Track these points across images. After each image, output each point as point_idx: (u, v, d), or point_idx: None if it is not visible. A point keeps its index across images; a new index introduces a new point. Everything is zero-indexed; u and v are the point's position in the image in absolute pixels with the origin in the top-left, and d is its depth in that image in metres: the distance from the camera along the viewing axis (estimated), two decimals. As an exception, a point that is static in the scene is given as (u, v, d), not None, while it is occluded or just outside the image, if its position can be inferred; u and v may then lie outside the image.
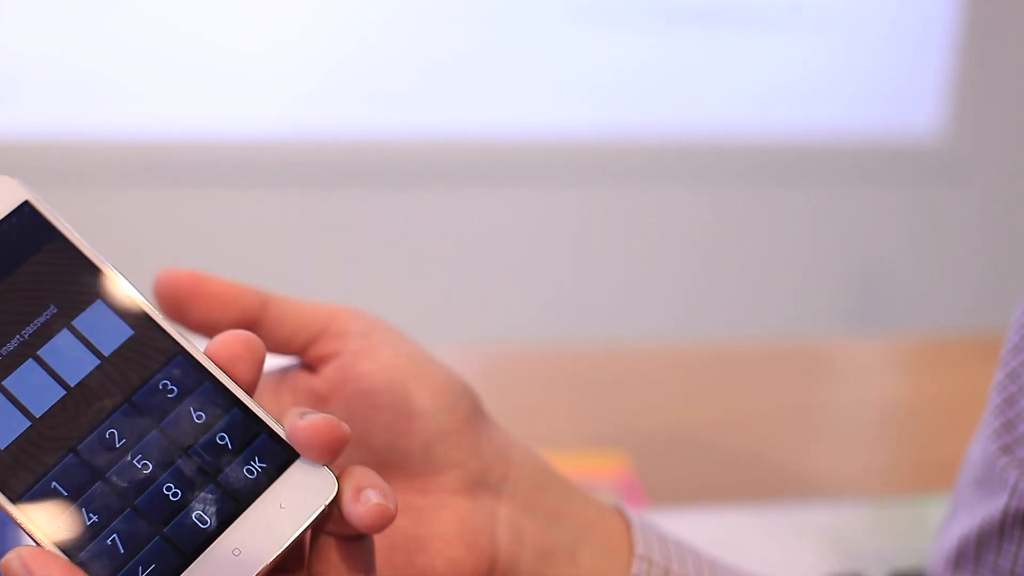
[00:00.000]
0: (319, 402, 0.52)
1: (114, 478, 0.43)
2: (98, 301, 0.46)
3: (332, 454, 0.43)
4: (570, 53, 2.09)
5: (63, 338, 0.45)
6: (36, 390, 0.44)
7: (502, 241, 2.13)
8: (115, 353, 0.45)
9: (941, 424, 1.11)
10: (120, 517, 0.43)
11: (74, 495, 0.43)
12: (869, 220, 2.22)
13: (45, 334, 0.45)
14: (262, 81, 2.00)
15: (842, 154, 2.20)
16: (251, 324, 0.52)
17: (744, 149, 2.17)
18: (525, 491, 0.53)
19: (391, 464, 0.52)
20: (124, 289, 0.46)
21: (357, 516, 0.43)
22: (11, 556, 0.40)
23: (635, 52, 2.10)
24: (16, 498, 0.42)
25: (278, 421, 0.45)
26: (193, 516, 0.43)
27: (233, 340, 0.45)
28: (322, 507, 0.43)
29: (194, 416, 0.44)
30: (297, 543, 0.43)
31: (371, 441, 0.52)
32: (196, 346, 0.46)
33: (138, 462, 0.43)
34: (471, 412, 0.53)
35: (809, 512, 0.96)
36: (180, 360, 0.45)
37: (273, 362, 0.52)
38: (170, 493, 0.43)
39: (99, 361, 0.45)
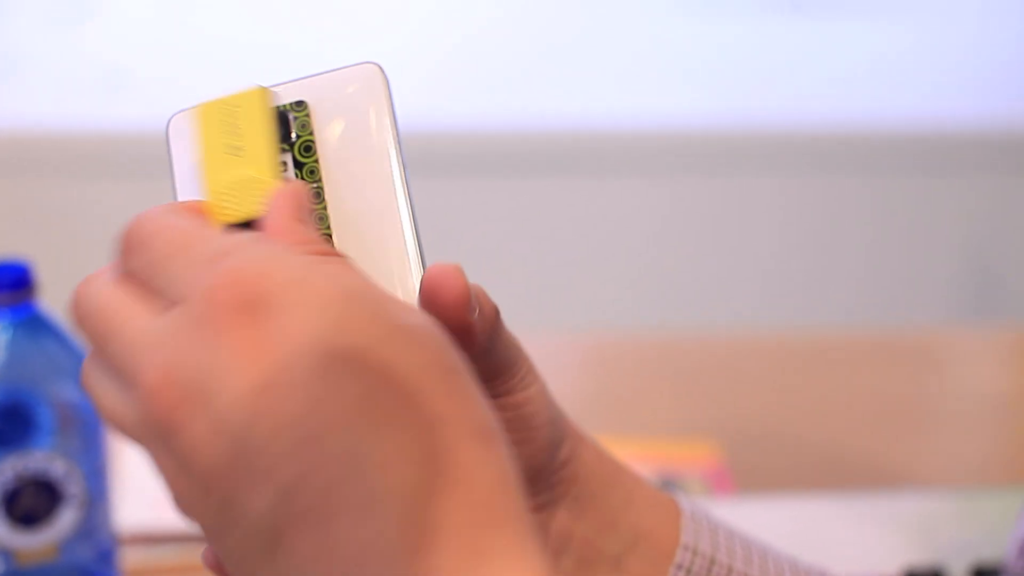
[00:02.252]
0: None
1: None
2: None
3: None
4: (667, 42, 2.08)
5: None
6: None
7: (601, 230, 2.14)
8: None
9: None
10: None
11: None
12: (982, 210, 2.19)
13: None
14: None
15: (957, 143, 2.17)
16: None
17: (856, 138, 2.15)
18: (584, 501, 0.53)
19: None
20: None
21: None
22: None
23: (749, 39, 2.09)
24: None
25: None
26: None
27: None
28: None
29: None
30: None
31: None
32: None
33: None
34: (554, 456, 0.52)
35: (895, 502, 0.96)
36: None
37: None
38: None
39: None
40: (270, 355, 0.38)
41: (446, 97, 2.06)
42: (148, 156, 2.07)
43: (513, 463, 0.40)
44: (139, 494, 0.93)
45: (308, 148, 0.48)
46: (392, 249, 0.47)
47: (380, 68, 0.48)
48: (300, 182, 0.46)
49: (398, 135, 0.48)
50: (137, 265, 0.42)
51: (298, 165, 0.48)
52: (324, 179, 0.48)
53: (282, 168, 0.47)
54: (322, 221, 0.47)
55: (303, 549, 0.37)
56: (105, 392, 0.41)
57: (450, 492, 0.37)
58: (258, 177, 0.46)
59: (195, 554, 0.89)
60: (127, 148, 2.04)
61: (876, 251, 2.18)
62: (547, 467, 0.52)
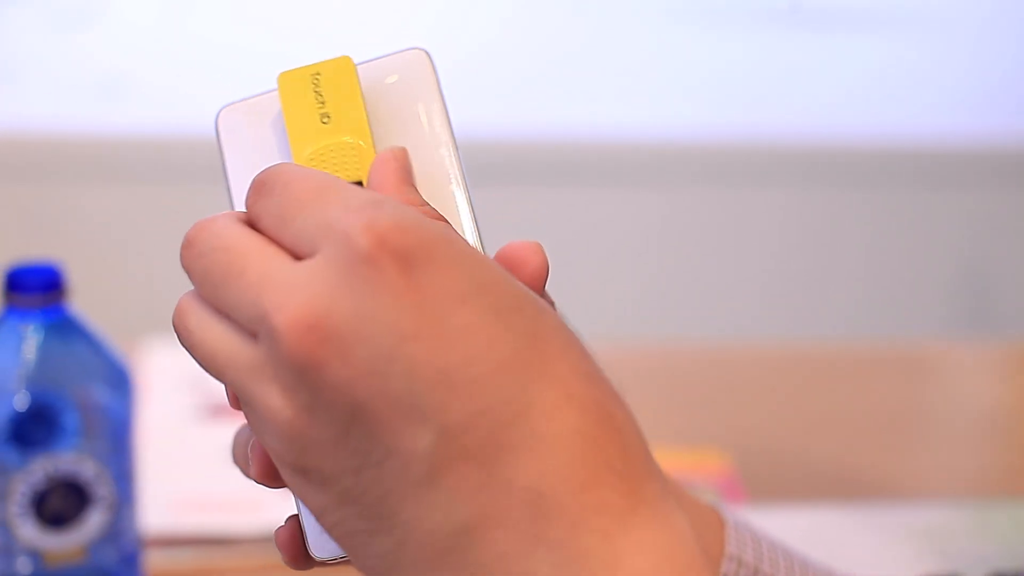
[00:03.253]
0: None
1: None
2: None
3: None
4: (667, 54, 2.09)
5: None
6: None
7: (604, 240, 2.14)
8: None
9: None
10: None
11: None
12: (979, 224, 2.20)
13: None
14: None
15: (957, 157, 2.18)
16: None
17: (855, 151, 2.16)
18: None
19: None
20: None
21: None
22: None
23: (748, 52, 2.10)
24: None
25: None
26: None
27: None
28: None
29: None
30: None
31: None
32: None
33: None
34: None
35: (908, 512, 0.97)
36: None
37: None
38: None
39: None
40: (432, 304, 0.39)
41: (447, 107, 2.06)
42: (147, 161, 2.08)
43: None
44: (161, 497, 0.93)
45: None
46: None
47: (427, 53, 0.48)
48: (400, 148, 0.46)
49: (449, 120, 0.48)
50: (271, 207, 0.42)
51: None
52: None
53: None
54: None
55: (466, 485, 0.39)
56: (209, 331, 0.42)
57: (610, 439, 0.40)
58: (353, 143, 0.46)
59: (215, 557, 0.89)
60: (127, 153, 2.04)
61: (873, 264, 2.19)
62: None
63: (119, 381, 0.78)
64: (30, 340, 0.76)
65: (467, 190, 0.48)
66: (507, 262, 0.44)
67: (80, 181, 2.03)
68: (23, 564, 0.76)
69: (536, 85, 2.09)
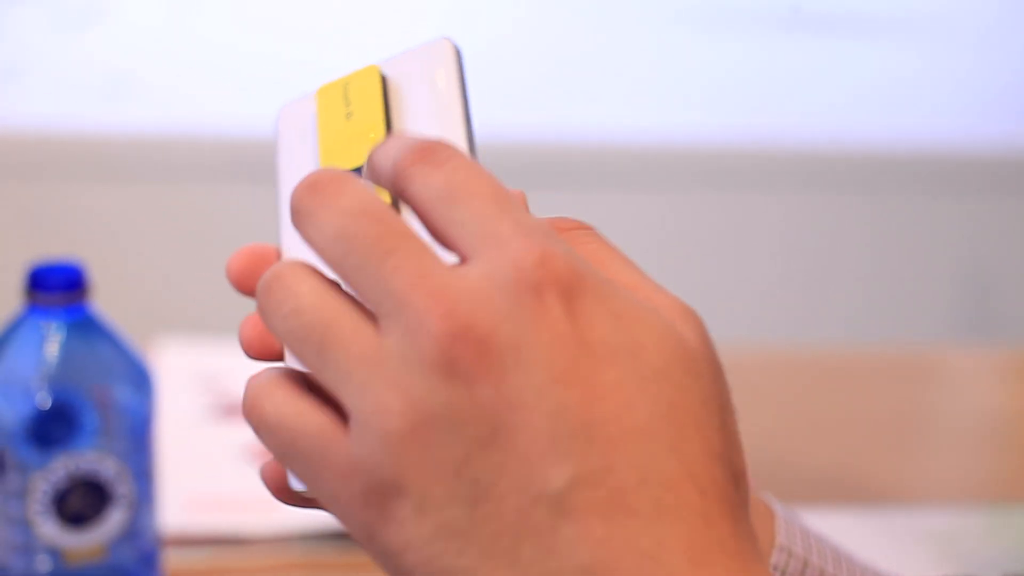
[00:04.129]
0: None
1: None
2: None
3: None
4: (672, 58, 2.10)
5: None
6: None
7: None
8: None
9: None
10: None
11: None
12: (980, 230, 2.21)
13: None
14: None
15: (953, 162, 2.18)
16: None
17: (858, 157, 2.17)
18: None
19: None
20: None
21: None
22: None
23: (751, 57, 2.10)
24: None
25: None
26: None
27: None
28: None
29: None
30: None
31: None
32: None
33: None
34: None
35: (918, 517, 0.97)
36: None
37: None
38: None
39: None
40: (588, 354, 0.39)
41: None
42: (152, 160, 2.08)
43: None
44: (175, 497, 0.94)
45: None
46: None
47: (452, 43, 0.49)
48: (400, 136, 0.45)
49: (466, 103, 0.48)
50: (435, 180, 0.40)
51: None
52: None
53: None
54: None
55: (590, 536, 0.38)
56: (307, 296, 0.40)
57: (723, 520, 0.39)
58: (365, 133, 0.47)
59: (230, 557, 0.89)
60: (132, 151, 2.04)
61: (875, 269, 2.20)
62: None
63: (140, 380, 0.78)
64: (52, 339, 0.76)
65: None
66: None
67: (85, 180, 2.04)
68: (43, 562, 0.76)
69: (538, 89, 2.10)
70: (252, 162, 2.04)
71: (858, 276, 2.19)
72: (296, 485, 0.42)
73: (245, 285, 0.46)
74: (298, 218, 0.41)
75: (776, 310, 2.17)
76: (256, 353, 0.44)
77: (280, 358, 0.45)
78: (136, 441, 0.78)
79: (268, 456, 0.45)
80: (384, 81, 0.49)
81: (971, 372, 1.24)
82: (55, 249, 1.99)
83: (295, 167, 0.49)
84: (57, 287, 0.75)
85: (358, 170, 0.46)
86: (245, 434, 1.01)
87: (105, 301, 1.88)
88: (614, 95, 2.11)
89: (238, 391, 1.08)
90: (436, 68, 0.49)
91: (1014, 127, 2.20)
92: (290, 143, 0.50)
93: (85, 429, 0.76)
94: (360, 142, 0.47)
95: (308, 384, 0.42)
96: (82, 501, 0.76)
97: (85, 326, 0.77)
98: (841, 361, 1.24)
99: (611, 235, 2.14)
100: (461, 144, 0.46)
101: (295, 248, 0.47)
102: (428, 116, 0.48)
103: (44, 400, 0.75)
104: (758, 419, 1.13)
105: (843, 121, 2.15)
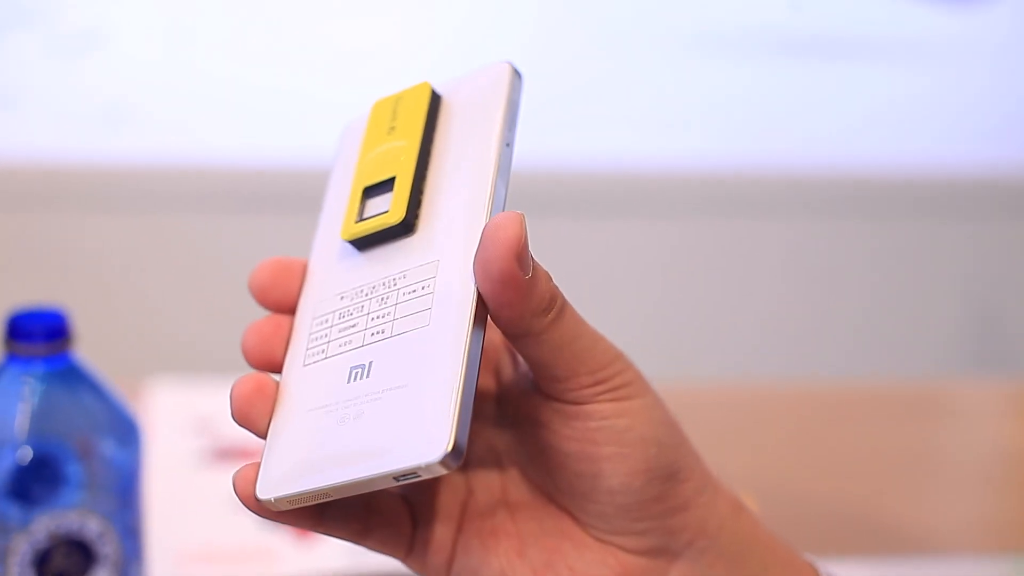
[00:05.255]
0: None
1: None
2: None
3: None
4: (677, 83, 2.07)
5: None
6: None
7: (618, 270, 2.12)
8: None
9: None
10: None
11: None
12: (990, 257, 2.18)
13: None
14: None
15: (961, 189, 2.16)
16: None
17: (861, 184, 2.14)
18: (711, 559, 0.50)
19: (567, 504, 0.51)
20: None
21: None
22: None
23: (756, 82, 2.08)
24: None
25: None
26: None
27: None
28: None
29: None
30: None
31: (556, 478, 0.51)
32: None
33: None
34: (663, 489, 0.50)
35: (937, 567, 0.94)
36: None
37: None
38: None
39: None
40: None
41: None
42: (149, 191, 2.05)
43: None
44: (166, 549, 0.90)
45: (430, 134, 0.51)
46: (473, 228, 0.48)
47: (512, 67, 0.51)
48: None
49: (506, 126, 0.50)
50: None
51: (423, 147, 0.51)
52: (433, 160, 0.50)
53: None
54: (422, 195, 0.49)
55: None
56: None
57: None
58: (401, 146, 0.50)
59: (223, 613, 0.86)
60: (129, 182, 2.01)
61: (881, 298, 2.17)
62: (649, 497, 0.49)
63: (126, 433, 0.75)
64: (32, 391, 0.72)
65: (505, 188, 0.49)
66: (488, 228, 0.45)
67: (81, 210, 2.01)
68: (24, 625, 0.73)
69: (544, 115, 2.07)
70: (250, 194, 2.01)
71: (862, 306, 2.17)
72: (261, 494, 0.45)
73: (267, 298, 0.49)
74: None
75: (777, 343, 2.14)
76: (257, 363, 0.48)
77: (279, 369, 0.48)
78: (122, 497, 0.74)
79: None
80: (436, 98, 0.51)
81: (982, 406, 1.21)
82: (44, 282, 1.96)
83: (337, 179, 0.52)
84: (38, 336, 0.72)
85: (387, 182, 0.49)
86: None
87: (101, 339, 1.85)
88: (619, 121, 2.09)
89: (233, 434, 1.05)
90: (487, 90, 0.51)
91: (1022, 152, 2.17)
92: (343, 156, 0.53)
93: (68, 485, 0.73)
94: (393, 156, 0.50)
95: None
96: (65, 561, 0.72)
97: (68, 376, 0.73)
98: (848, 395, 1.21)
99: (617, 262, 2.11)
100: (490, 168, 0.48)
101: (323, 263, 0.49)
102: (465, 137, 0.50)
103: (25, 455, 0.72)
104: (761, 458, 1.09)
105: (850, 147, 2.13)
